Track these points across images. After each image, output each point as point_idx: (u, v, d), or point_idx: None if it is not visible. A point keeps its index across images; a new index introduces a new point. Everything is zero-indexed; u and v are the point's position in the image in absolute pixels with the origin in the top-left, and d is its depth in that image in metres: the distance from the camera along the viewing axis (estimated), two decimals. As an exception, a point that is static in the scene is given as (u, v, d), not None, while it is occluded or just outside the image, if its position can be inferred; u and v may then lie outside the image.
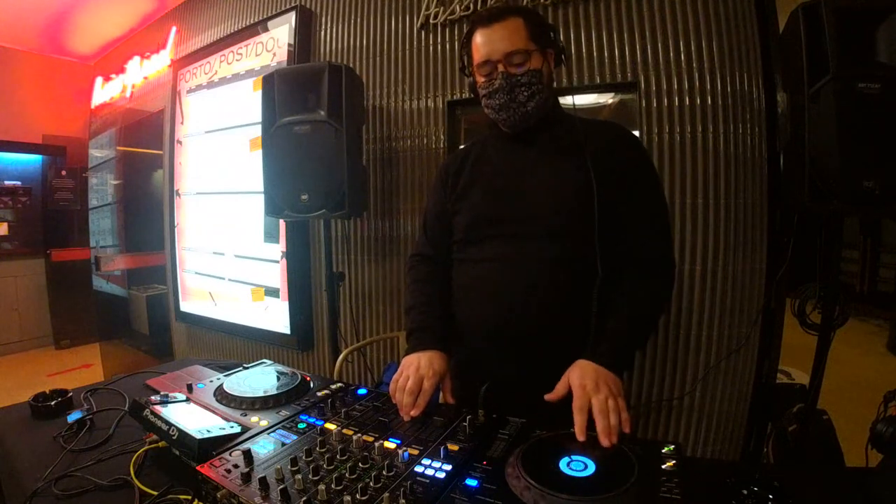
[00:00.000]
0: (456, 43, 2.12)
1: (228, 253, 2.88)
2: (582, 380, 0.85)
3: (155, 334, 3.63)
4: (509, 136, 1.10)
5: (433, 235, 1.21)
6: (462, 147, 1.26)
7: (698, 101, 1.70)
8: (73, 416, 1.12)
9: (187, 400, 0.98)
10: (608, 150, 1.03)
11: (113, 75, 4.02)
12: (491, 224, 1.06)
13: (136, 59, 3.70)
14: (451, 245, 1.15)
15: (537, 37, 1.02)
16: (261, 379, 1.07)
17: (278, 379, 1.07)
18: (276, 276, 2.60)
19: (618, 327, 0.95)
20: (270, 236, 2.62)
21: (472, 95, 1.11)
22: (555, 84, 1.17)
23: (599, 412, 0.78)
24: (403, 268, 2.27)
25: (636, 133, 1.66)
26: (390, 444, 0.78)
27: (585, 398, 0.81)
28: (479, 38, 1.03)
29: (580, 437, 0.76)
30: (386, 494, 0.63)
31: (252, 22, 2.73)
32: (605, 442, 0.74)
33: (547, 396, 0.87)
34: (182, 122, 3.18)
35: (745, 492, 0.72)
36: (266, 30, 2.63)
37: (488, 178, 1.10)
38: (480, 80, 1.05)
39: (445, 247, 1.17)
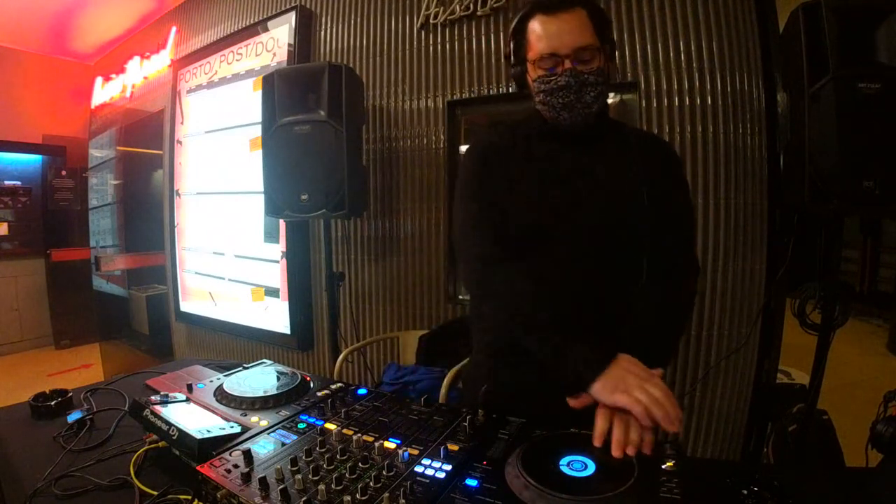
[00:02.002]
0: (456, 43, 2.12)
1: (228, 253, 2.88)
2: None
3: (155, 334, 3.63)
4: (558, 134, 0.99)
5: (489, 230, 0.98)
6: (495, 133, 1.08)
7: (698, 101, 1.70)
8: (73, 416, 1.12)
9: (187, 400, 0.98)
10: (656, 165, 0.99)
11: (113, 75, 4.02)
12: (543, 230, 0.97)
13: (136, 59, 3.70)
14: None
15: (601, 31, 0.93)
16: (261, 379, 1.07)
17: (278, 379, 1.07)
18: (276, 276, 2.60)
19: (651, 345, 0.91)
20: (270, 236, 2.62)
21: (518, 87, 1.01)
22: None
23: (619, 419, 0.73)
24: (403, 268, 2.29)
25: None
26: (390, 444, 0.78)
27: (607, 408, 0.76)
28: (539, 28, 0.92)
29: (597, 442, 0.73)
30: (386, 494, 0.62)
31: (252, 22, 2.73)
32: (616, 453, 0.70)
33: (573, 404, 0.80)
34: (182, 122, 3.18)
35: (745, 492, 0.72)
36: (266, 30, 2.64)
37: (533, 180, 0.99)
38: (538, 73, 0.94)
39: (503, 240, 0.97)
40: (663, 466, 0.70)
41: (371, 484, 0.66)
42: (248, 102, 2.67)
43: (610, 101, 1.95)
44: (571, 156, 1.00)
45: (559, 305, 0.89)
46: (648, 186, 0.96)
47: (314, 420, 0.89)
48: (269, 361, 1.20)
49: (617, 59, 1.78)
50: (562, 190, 0.98)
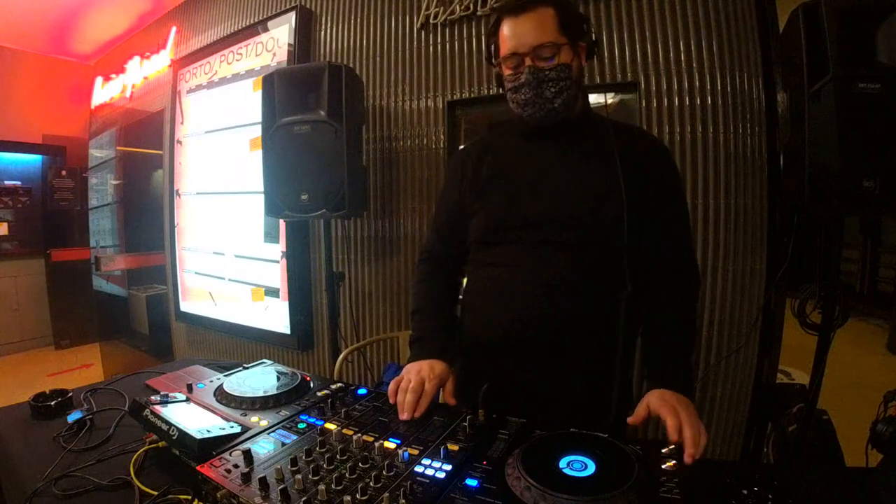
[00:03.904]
0: (456, 43, 2.12)
1: (228, 253, 2.88)
2: (664, 396, 0.87)
3: (155, 334, 3.63)
4: (533, 133, 1.05)
5: (444, 233, 1.16)
6: (478, 140, 1.19)
7: (698, 101, 1.70)
8: (73, 416, 1.12)
9: (187, 400, 0.98)
10: (638, 158, 1.00)
11: (113, 75, 4.02)
12: (510, 227, 1.02)
13: (136, 59, 3.70)
14: (468, 245, 1.11)
15: (568, 28, 0.96)
16: (261, 379, 1.07)
17: (278, 379, 1.07)
18: (276, 276, 2.60)
19: (679, 357, 0.97)
20: (270, 236, 2.62)
21: (499, 88, 1.07)
22: (585, 80, 1.13)
23: (686, 421, 0.79)
24: (403, 268, 2.30)
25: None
26: (390, 444, 0.78)
27: (673, 408, 0.82)
28: (506, 29, 0.98)
29: (674, 437, 0.77)
30: (386, 494, 0.62)
31: (252, 22, 2.73)
32: (692, 451, 0.74)
33: (630, 420, 0.87)
34: (182, 122, 3.18)
35: (745, 492, 0.72)
36: (266, 30, 2.64)
37: (510, 177, 1.05)
38: (507, 72, 1.00)
39: (457, 245, 1.13)
40: (663, 466, 0.70)
41: (371, 484, 0.66)
42: (248, 102, 2.67)
43: (610, 100, 1.96)
44: (542, 152, 1.04)
45: (534, 299, 0.97)
46: (633, 181, 0.96)
47: (314, 420, 0.89)
48: (269, 361, 1.20)
49: (606, 54, 1.80)
50: (538, 185, 1.02)
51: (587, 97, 1.09)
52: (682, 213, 1.07)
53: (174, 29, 3.36)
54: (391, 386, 0.95)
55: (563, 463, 0.70)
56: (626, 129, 1.07)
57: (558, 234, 0.98)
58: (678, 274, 1.03)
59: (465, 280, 1.17)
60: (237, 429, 0.86)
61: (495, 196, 1.05)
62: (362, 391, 1.02)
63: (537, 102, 0.97)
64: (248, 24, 2.76)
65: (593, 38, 1.02)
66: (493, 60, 1.05)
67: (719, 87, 1.68)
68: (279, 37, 2.56)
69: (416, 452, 0.75)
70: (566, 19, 0.96)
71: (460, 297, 1.18)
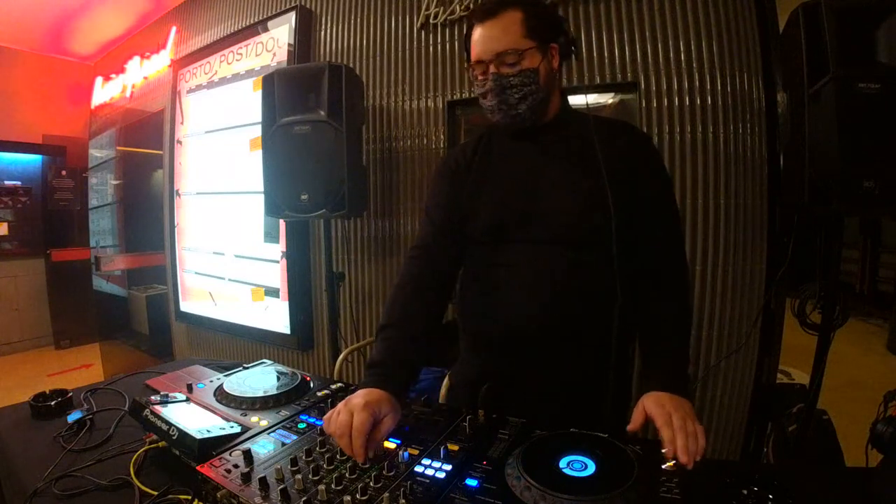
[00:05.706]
0: (456, 43, 2.12)
1: (228, 253, 2.88)
2: (659, 400, 0.85)
3: (155, 334, 3.63)
4: (516, 135, 1.05)
5: (446, 226, 1.08)
6: (468, 141, 1.19)
7: (698, 101, 1.70)
8: (73, 416, 1.12)
9: (187, 400, 0.98)
10: (621, 152, 0.99)
11: (113, 75, 4.02)
12: (510, 227, 1.01)
13: (136, 59, 3.70)
14: (462, 246, 1.09)
15: (536, 32, 0.95)
16: (261, 379, 1.07)
17: (278, 379, 1.07)
18: (276, 276, 2.60)
19: (672, 355, 0.94)
20: (270, 236, 2.62)
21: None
22: (563, 79, 1.11)
23: (679, 428, 0.76)
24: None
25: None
26: (390, 444, 0.78)
27: (667, 416, 0.80)
28: (474, 36, 0.98)
29: (669, 453, 0.73)
30: (386, 494, 0.63)
31: (252, 22, 2.73)
32: (685, 460, 0.71)
33: (629, 428, 0.85)
34: (182, 122, 3.18)
35: (745, 492, 0.72)
36: (266, 30, 2.64)
37: (503, 177, 1.05)
38: (478, 78, 1.00)
39: (453, 240, 1.08)
40: (663, 466, 0.70)
41: (371, 484, 0.66)
42: (248, 102, 2.67)
43: (610, 101, 1.96)
44: (526, 154, 1.04)
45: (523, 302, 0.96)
46: (614, 177, 0.95)
47: (314, 420, 0.89)
48: (269, 361, 1.21)
49: (606, 54, 1.80)
50: (533, 185, 1.01)
51: (565, 96, 1.07)
52: (669, 205, 1.05)
53: (174, 29, 3.36)
54: (325, 416, 0.82)
55: (563, 463, 0.70)
56: (607, 123, 1.05)
57: (557, 233, 0.98)
58: (668, 268, 1.02)
59: (458, 283, 1.15)
60: (237, 429, 0.86)
61: (491, 196, 1.04)
62: (362, 391, 1.02)
63: (502, 108, 0.98)
64: (248, 24, 2.76)
65: (569, 38, 1.00)
66: (467, 65, 1.04)
67: (719, 87, 1.68)
68: (279, 37, 2.56)
69: (416, 452, 0.75)
70: (535, 22, 0.95)
71: (456, 299, 1.16)
